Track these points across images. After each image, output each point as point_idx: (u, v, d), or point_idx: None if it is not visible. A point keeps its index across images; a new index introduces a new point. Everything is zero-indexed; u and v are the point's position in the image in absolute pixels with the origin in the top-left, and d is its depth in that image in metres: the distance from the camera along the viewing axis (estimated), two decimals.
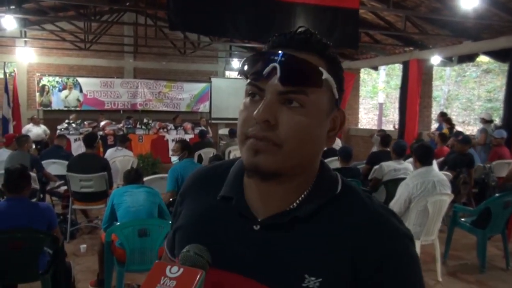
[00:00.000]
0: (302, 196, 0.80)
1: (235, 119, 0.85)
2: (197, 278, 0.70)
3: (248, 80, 0.77)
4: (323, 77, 0.75)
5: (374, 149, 7.78)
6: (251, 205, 0.82)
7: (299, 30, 0.79)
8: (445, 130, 9.29)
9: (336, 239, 0.76)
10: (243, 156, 0.77)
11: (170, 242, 0.97)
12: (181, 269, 0.71)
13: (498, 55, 9.18)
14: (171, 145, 11.34)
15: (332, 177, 0.83)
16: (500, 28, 8.41)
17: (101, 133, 10.42)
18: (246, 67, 0.78)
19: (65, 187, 5.79)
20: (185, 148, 4.91)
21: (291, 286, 0.75)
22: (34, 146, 7.57)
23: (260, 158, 0.74)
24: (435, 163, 5.65)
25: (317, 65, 0.75)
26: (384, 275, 0.74)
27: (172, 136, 11.46)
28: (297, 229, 0.77)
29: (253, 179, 0.79)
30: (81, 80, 13.44)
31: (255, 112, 0.73)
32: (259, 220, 0.80)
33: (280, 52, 0.74)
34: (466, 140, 6.89)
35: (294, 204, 0.79)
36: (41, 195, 5.96)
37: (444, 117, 9.72)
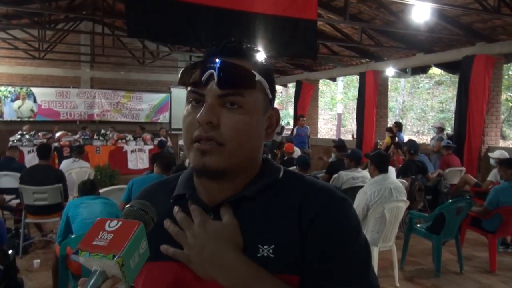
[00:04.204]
0: (248, 182, 0.86)
1: None
2: (134, 229, 0.69)
3: (189, 88, 0.84)
4: (256, 79, 0.82)
5: (333, 158, 7.91)
6: (203, 200, 0.87)
7: (232, 39, 0.86)
8: (387, 139, 9.58)
9: (282, 210, 0.82)
10: (191, 158, 0.83)
11: None
12: (120, 223, 0.70)
13: (448, 67, 9.59)
14: (130, 156, 11.11)
15: (275, 166, 0.91)
16: (450, 41, 8.79)
17: (56, 144, 10.06)
18: (185, 77, 0.84)
19: (17, 201, 5.57)
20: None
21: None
22: None
23: (207, 159, 0.80)
24: (392, 171, 5.82)
25: (250, 68, 0.82)
26: (321, 229, 0.80)
27: (131, 147, 11.22)
28: (244, 208, 0.83)
29: (202, 179, 0.85)
30: (35, 90, 13.06)
31: (198, 116, 0.79)
32: (211, 207, 0.85)
33: (216, 59, 0.81)
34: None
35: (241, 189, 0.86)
36: None
37: (389, 127, 10.07)
